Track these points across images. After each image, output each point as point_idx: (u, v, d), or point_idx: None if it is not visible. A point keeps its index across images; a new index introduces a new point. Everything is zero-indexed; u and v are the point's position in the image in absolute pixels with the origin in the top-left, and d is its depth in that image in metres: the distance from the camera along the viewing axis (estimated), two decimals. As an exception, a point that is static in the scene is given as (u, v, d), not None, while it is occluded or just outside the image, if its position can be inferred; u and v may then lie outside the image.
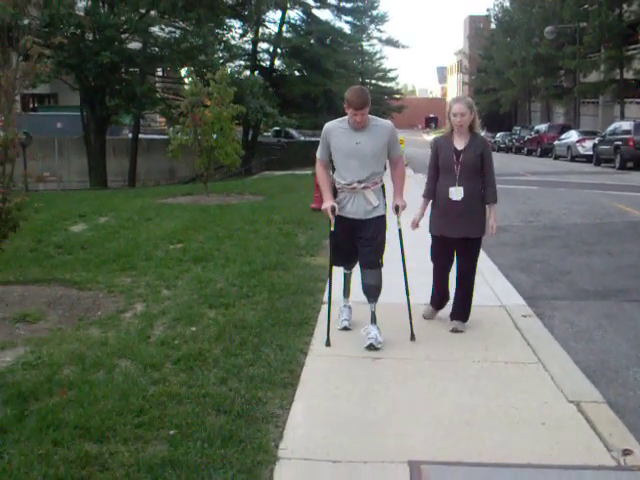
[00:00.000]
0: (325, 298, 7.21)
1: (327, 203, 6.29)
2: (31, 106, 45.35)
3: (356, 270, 6.63)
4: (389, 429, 4.62)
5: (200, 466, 3.98)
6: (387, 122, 6.40)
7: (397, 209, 6.40)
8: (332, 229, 6.39)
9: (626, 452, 4.29)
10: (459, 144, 6.54)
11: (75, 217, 14.06)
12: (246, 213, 14.59)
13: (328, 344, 6.24)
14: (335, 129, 6.28)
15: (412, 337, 6.38)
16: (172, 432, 4.41)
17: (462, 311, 6.80)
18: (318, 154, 6.47)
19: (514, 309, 7.48)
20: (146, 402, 4.84)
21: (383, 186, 6.42)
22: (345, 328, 6.72)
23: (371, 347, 6.15)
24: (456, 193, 6.46)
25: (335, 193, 6.37)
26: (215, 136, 17.80)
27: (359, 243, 6.35)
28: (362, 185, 6.21)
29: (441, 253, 6.75)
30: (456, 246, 6.69)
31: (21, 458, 4.02)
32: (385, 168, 6.45)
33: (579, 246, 11.97)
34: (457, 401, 5.10)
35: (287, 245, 10.89)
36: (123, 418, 4.58)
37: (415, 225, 6.80)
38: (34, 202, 8.06)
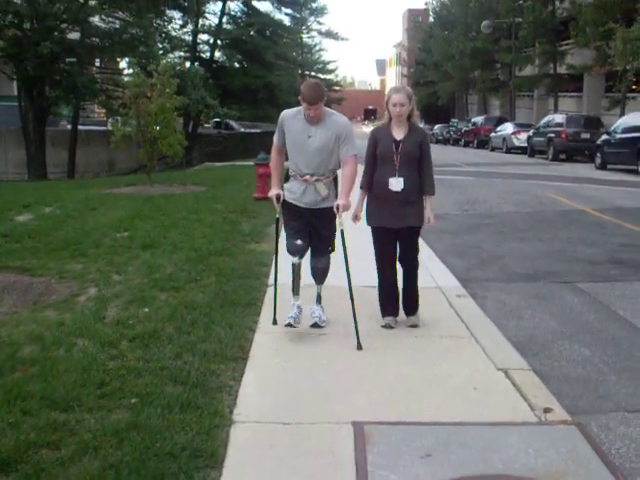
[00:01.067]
0: (271, 281, 7.57)
1: (273, 191, 6.41)
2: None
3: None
4: (335, 396, 5.01)
5: (162, 429, 4.32)
6: (343, 119, 6.33)
7: (337, 208, 6.17)
8: (277, 216, 6.57)
9: (546, 410, 4.78)
10: (398, 134, 6.43)
11: (19, 207, 14.08)
12: (190, 203, 14.84)
13: (275, 322, 6.56)
14: (290, 119, 6.30)
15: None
16: (133, 401, 4.74)
17: (414, 304, 6.73)
18: (275, 138, 6.49)
19: (449, 290, 7.94)
20: (107, 375, 5.16)
21: (335, 178, 6.46)
22: (289, 325, 6.36)
23: (315, 325, 6.51)
24: (396, 184, 6.36)
25: (287, 178, 6.47)
26: (158, 127, 17.96)
27: (311, 228, 6.48)
28: (314, 178, 6.25)
29: (384, 245, 6.61)
30: (396, 237, 6.59)
31: (-8, 426, 4.31)
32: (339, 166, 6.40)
33: (512, 233, 12.53)
34: (397, 371, 5.53)
35: (232, 233, 11.20)
36: (86, 390, 4.89)
37: (356, 218, 6.59)
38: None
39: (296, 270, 6.58)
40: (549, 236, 12.15)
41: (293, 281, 6.63)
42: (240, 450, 4.18)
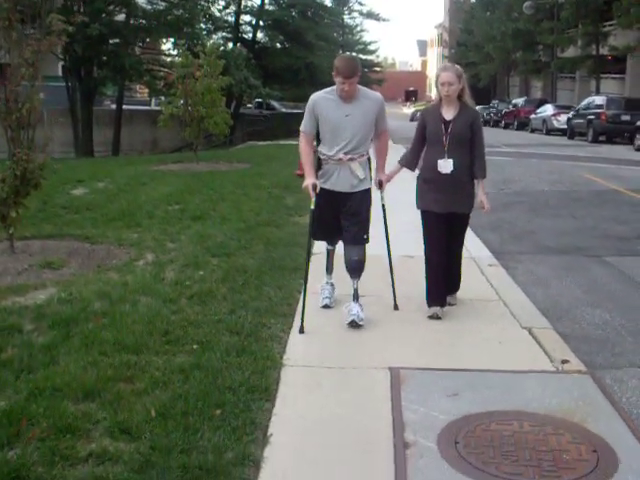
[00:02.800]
0: (315, 250, 8.09)
1: (308, 180, 6.01)
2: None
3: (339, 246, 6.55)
4: (373, 346, 5.62)
5: (221, 369, 4.96)
6: (377, 94, 6.19)
7: (380, 184, 6.34)
8: (312, 207, 6.08)
9: (564, 361, 5.31)
10: (448, 114, 6.20)
11: (73, 182, 14.74)
12: (236, 179, 15.50)
13: (302, 331, 5.91)
14: (323, 100, 6.01)
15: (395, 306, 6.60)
16: (195, 347, 5.39)
17: (453, 284, 6.65)
18: (302, 127, 6.18)
19: (482, 260, 8.46)
20: (170, 326, 5.81)
21: (369, 159, 6.25)
22: (326, 306, 6.54)
23: (353, 323, 6.03)
24: (445, 165, 6.13)
25: (319, 165, 6.20)
26: (204, 107, 18.60)
27: (343, 218, 6.15)
28: (348, 157, 5.98)
29: (432, 230, 6.33)
30: (445, 222, 6.32)
31: (75, 364, 4.97)
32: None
33: (546, 210, 12.97)
34: (429, 326, 6.12)
35: (276, 206, 11.85)
36: (152, 337, 5.55)
37: (380, 185, 6.40)
38: (52, 164, 8.89)
39: (330, 254, 6.70)
40: (582, 214, 12.56)
41: (327, 261, 6.72)
42: (290, 387, 4.80)
